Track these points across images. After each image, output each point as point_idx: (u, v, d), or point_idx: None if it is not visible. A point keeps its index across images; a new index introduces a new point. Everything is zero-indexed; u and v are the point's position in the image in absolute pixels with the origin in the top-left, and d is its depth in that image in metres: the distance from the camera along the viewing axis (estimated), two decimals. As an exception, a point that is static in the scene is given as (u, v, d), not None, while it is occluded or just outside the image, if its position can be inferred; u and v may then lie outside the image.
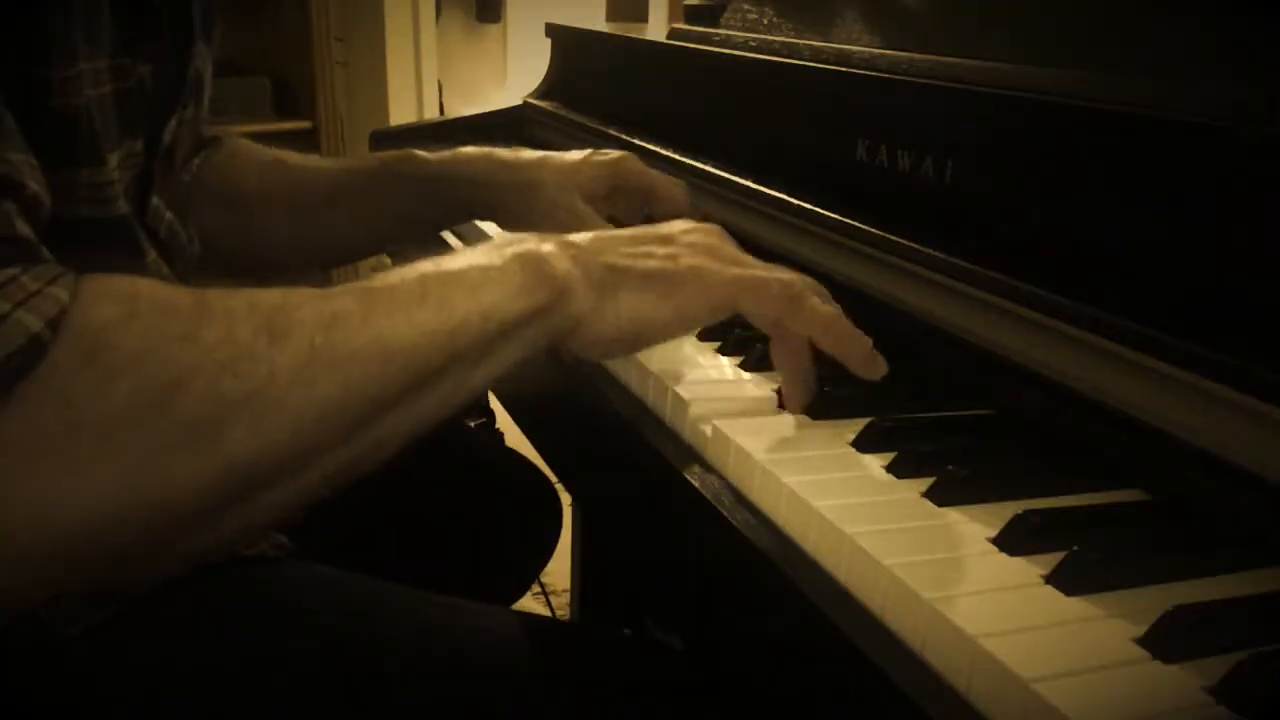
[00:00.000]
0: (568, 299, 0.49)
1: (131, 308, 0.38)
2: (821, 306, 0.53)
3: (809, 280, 0.55)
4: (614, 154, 0.77)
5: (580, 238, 0.52)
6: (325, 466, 0.42)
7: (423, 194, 0.77)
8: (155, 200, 0.62)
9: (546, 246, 0.50)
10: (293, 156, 0.84)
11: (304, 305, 0.42)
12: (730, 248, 0.55)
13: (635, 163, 0.77)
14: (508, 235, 0.51)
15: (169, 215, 0.64)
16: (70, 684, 0.54)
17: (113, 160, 0.53)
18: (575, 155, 0.77)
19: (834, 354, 0.54)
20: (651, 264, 0.52)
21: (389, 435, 0.45)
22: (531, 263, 0.49)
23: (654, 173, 0.78)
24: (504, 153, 0.78)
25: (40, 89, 0.46)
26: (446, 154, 0.79)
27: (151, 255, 0.60)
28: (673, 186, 0.77)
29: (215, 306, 0.40)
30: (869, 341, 0.54)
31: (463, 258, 0.48)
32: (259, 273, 0.83)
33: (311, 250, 0.84)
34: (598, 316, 0.51)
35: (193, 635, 0.57)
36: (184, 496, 0.38)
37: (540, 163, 0.76)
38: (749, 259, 0.55)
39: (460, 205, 0.78)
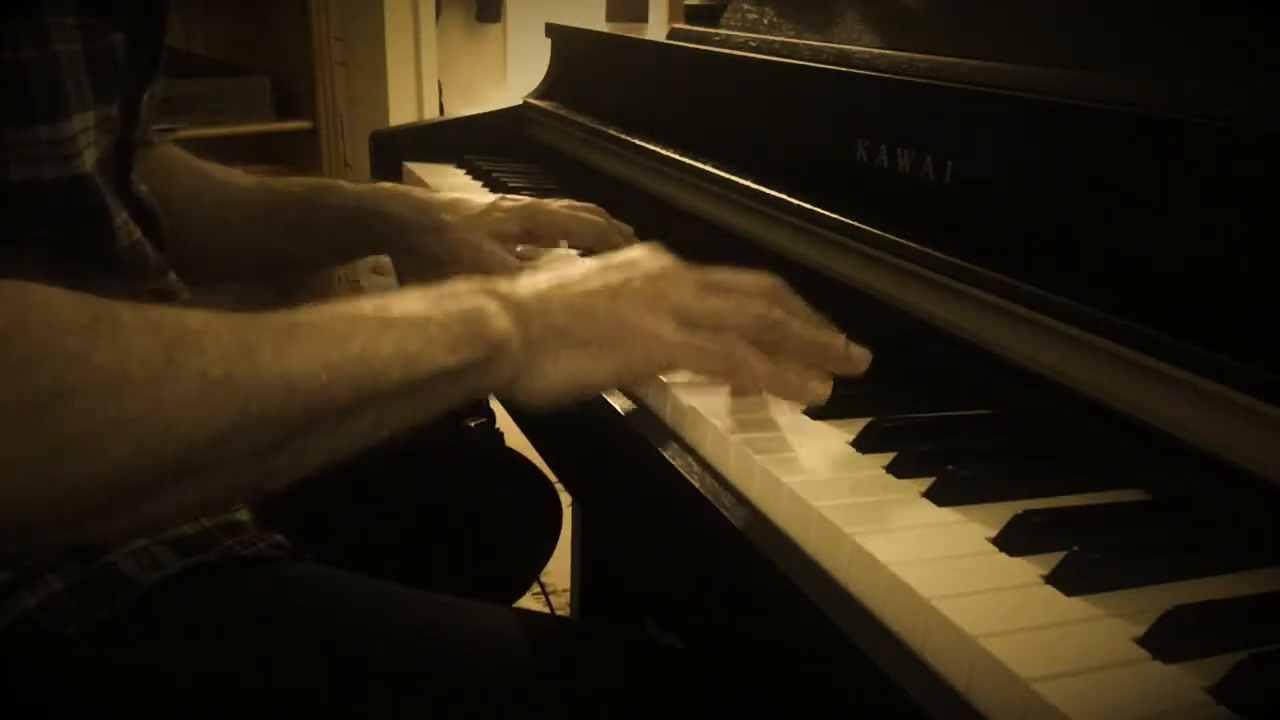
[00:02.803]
0: (502, 358, 0.50)
1: (21, 319, 0.38)
2: (760, 369, 0.52)
3: (762, 312, 0.53)
4: (523, 200, 0.80)
5: (528, 293, 0.52)
6: (228, 479, 0.43)
7: (342, 224, 0.81)
8: (135, 183, 0.62)
9: (492, 305, 0.50)
10: (218, 170, 0.86)
11: (215, 334, 0.42)
12: (680, 293, 0.53)
13: (543, 208, 0.79)
14: (459, 285, 0.51)
15: (145, 187, 0.64)
16: (67, 684, 0.54)
17: (81, 120, 0.52)
18: (484, 200, 0.80)
19: None
20: (596, 326, 0.52)
21: (300, 457, 0.45)
22: (472, 320, 0.49)
23: (565, 215, 0.79)
24: (419, 193, 0.81)
25: None
26: (365, 188, 0.81)
27: (122, 216, 0.59)
28: (588, 227, 0.79)
29: (116, 325, 0.39)
30: (817, 392, 0.53)
31: (408, 302, 0.48)
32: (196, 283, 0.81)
33: (227, 266, 0.85)
34: (535, 374, 0.51)
35: (190, 636, 0.57)
36: (63, 500, 0.38)
37: (450, 205, 0.79)
38: (707, 293, 0.54)
39: (373, 240, 0.81)
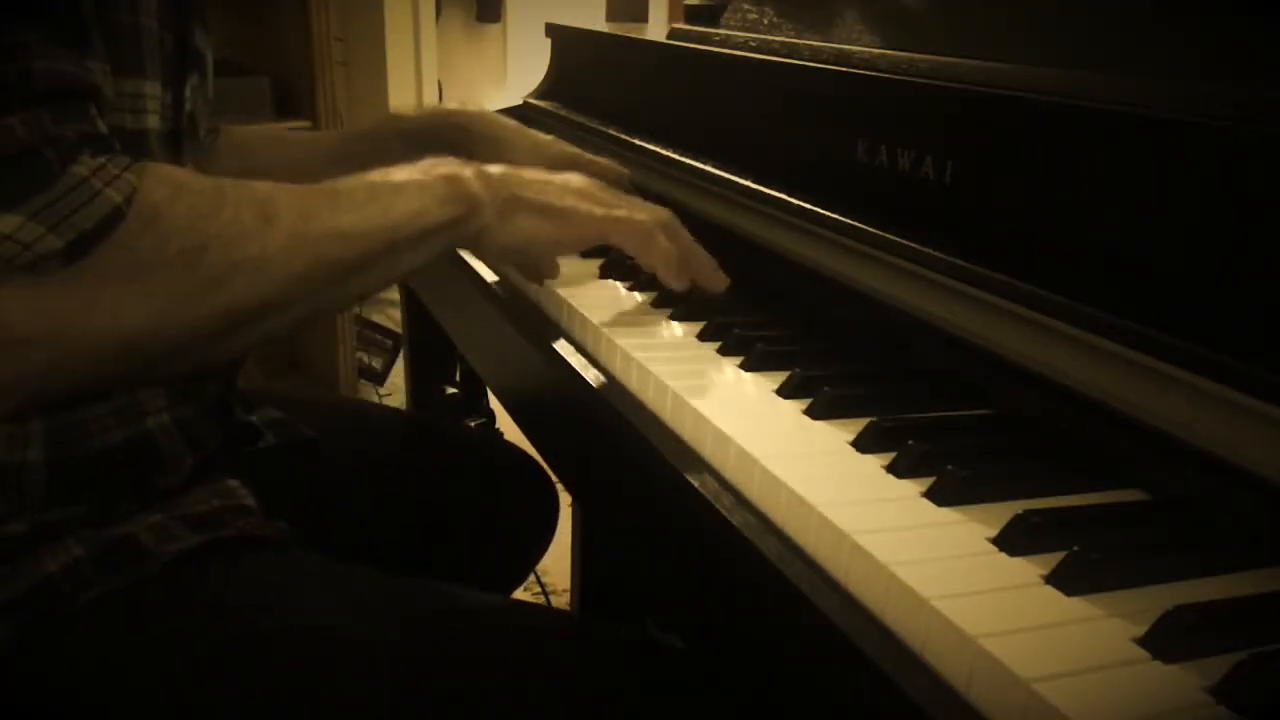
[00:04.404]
0: (477, 213, 0.63)
1: (176, 191, 0.51)
2: (664, 244, 0.67)
3: (662, 218, 0.68)
4: (575, 149, 0.90)
5: (493, 169, 0.65)
6: (300, 311, 0.57)
7: (416, 144, 0.87)
8: (188, 165, 0.67)
9: (466, 171, 0.63)
10: (291, 133, 0.94)
11: (288, 198, 0.55)
12: (605, 194, 0.69)
13: (587, 156, 0.89)
14: (436, 159, 0.64)
15: (247, 157, 0.72)
16: (87, 647, 0.56)
17: (152, 87, 0.60)
18: (545, 135, 0.90)
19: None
20: (544, 198, 0.66)
21: (344, 296, 0.60)
22: (453, 182, 0.62)
23: (604, 162, 0.89)
24: (486, 110, 0.90)
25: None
26: (428, 108, 0.91)
27: None
28: (618, 174, 0.88)
29: (228, 193, 0.53)
30: (709, 263, 0.69)
31: (403, 172, 0.61)
32: None
33: None
34: (499, 230, 0.64)
35: (206, 607, 0.59)
36: (204, 322, 0.52)
37: (516, 129, 0.89)
38: (623, 200, 0.69)
39: (445, 152, 0.85)
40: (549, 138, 0.90)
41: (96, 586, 0.57)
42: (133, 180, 0.49)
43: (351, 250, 0.57)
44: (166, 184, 0.51)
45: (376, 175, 0.60)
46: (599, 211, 0.67)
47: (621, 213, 0.67)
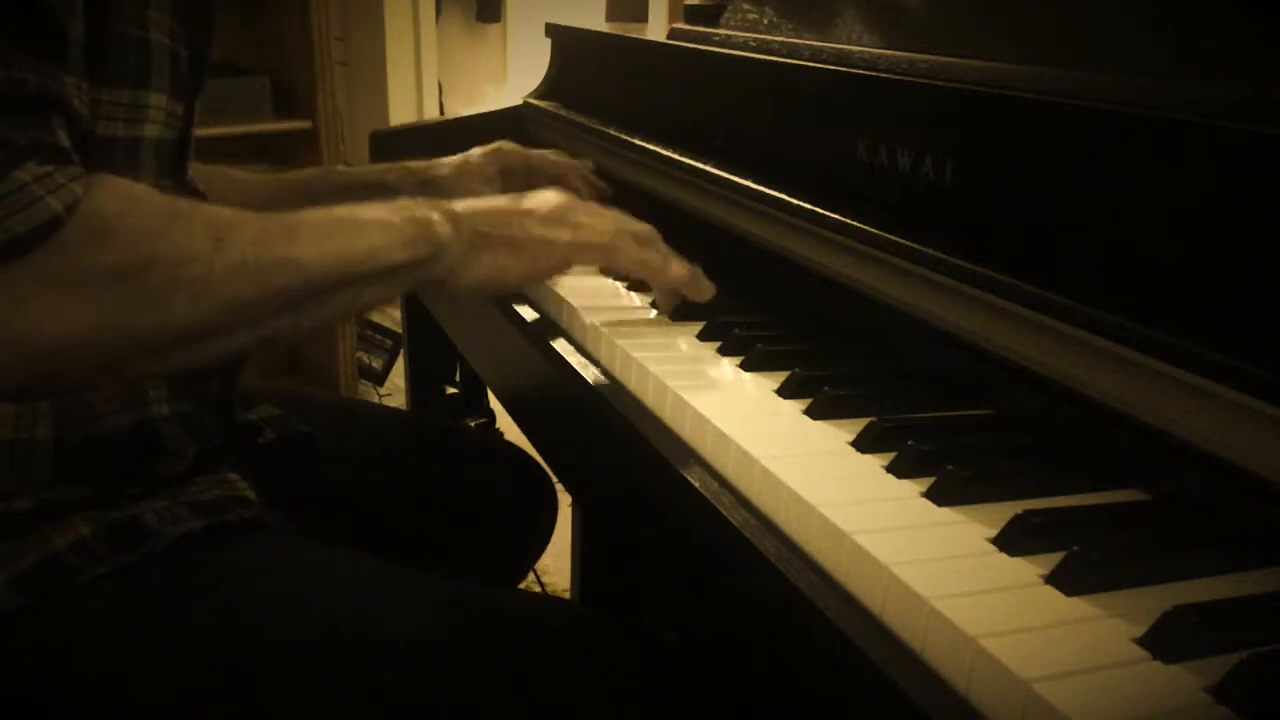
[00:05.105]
0: (442, 255, 0.63)
1: (127, 205, 0.51)
2: (634, 254, 0.68)
3: (633, 230, 0.69)
4: (492, 145, 0.93)
5: (462, 207, 0.65)
6: (248, 335, 0.56)
7: (350, 200, 0.85)
8: (190, 174, 0.68)
9: (435, 214, 0.63)
10: (233, 170, 0.93)
11: (246, 225, 0.55)
12: (575, 215, 0.68)
13: (510, 147, 0.93)
14: (409, 200, 0.64)
15: (201, 186, 0.71)
16: (93, 620, 0.57)
17: (157, 99, 0.62)
18: (457, 157, 0.93)
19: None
20: (510, 232, 0.66)
21: (297, 324, 0.58)
22: (420, 224, 0.62)
23: (531, 151, 0.93)
24: (409, 163, 0.93)
25: (102, 13, 0.56)
26: (363, 167, 0.93)
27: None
28: (549, 160, 0.93)
29: (182, 214, 0.53)
30: (685, 275, 0.69)
31: (371, 211, 0.61)
32: None
33: None
34: (466, 269, 0.64)
35: (209, 588, 0.60)
36: (138, 338, 0.52)
37: (436, 164, 0.92)
38: (594, 216, 0.68)
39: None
40: (460, 157, 0.92)
41: (103, 564, 0.59)
42: (78, 190, 0.49)
43: (304, 281, 0.56)
44: (118, 198, 0.51)
45: (344, 210, 0.60)
46: (565, 238, 0.67)
47: (587, 235, 0.67)
